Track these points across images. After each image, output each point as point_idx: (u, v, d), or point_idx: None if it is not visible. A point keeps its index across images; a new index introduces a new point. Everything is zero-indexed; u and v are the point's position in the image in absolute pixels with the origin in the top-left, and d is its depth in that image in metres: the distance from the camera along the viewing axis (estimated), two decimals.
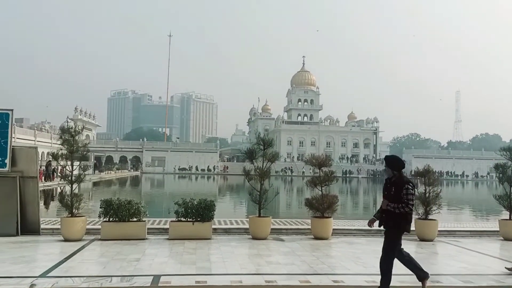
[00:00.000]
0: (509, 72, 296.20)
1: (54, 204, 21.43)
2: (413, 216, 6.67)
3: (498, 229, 11.21)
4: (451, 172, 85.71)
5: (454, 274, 6.95)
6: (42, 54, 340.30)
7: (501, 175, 11.09)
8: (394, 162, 5.71)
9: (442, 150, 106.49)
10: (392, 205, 5.46)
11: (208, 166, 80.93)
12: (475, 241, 10.53)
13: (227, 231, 11.12)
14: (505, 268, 7.13)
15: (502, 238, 10.83)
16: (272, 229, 10.57)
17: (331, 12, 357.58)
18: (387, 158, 5.82)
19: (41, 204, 22.19)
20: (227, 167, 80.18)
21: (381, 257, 5.61)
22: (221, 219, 12.66)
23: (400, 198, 5.44)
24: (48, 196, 27.01)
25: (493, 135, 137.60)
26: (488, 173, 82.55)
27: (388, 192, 5.61)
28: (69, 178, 9.83)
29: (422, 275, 5.80)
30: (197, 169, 79.86)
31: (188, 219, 9.81)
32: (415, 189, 5.64)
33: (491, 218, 15.74)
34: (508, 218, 10.94)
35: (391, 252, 5.58)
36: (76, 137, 10.11)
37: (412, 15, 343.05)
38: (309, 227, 10.83)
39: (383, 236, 5.75)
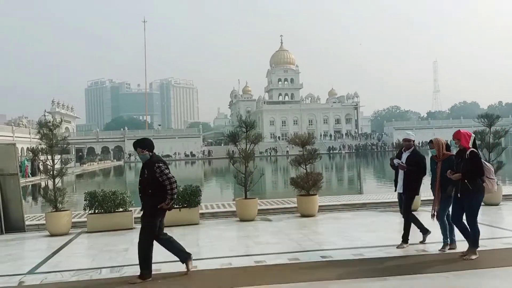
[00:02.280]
0: (485, 40, 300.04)
1: (39, 200, 21.16)
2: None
3: None
4: (424, 142, 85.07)
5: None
6: (14, 47, 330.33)
7: (480, 141, 11.31)
8: (146, 144, 5.59)
9: (422, 121, 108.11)
10: None
11: (191, 151, 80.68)
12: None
13: (214, 215, 11.16)
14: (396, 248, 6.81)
15: (483, 203, 11.08)
16: (259, 210, 10.65)
17: None
18: (139, 142, 5.61)
19: (29, 200, 22.01)
20: (211, 151, 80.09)
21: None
22: (208, 203, 12.68)
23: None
24: (33, 191, 26.63)
25: (471, 103, 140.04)
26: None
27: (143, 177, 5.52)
28: (51, 172, 9.69)
29: (184, 256, 5.74)
30: (186, 154, 79.49)
31: (175, 206, 9.79)
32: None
33: None
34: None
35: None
36: (55, 131, 9.93)
37: None
38: (296, 205, 10.94)
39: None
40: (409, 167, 6.74)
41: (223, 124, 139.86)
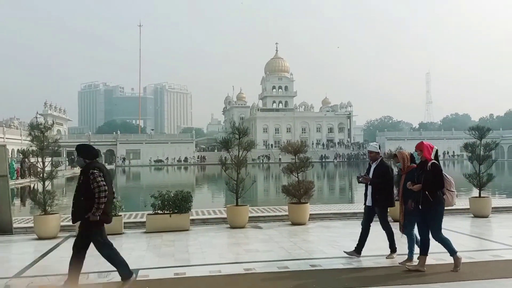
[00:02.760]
0: (477, 52, 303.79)
1: (28, 202, 20.93)
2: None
3: (469, 206, 11.54)
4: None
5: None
6: (7, 48, 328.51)
7: (470, 154, 11.39)
8: (83, 150, 5.41)
9: (414, 132, 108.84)
10: None
11: (186, 157, 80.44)
12: (448, 219, 10.82)
13: (205, 222, 11.10)
14: (344, 252, 6.95)
15: (473, 215, 11.17)
16: (250, 217, 10.63)
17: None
18: (78, 148, 5.44)
19: (17, 202, 21.75)
20: (204, 157, 79.92)
21: None
22: (199, 209, 12.62)
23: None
24: (22, 194, 26.35)
25: (463, 115, 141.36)
26: (450, 153, 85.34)
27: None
28: (41, 175, 9.61)
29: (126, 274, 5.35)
30: (179, 160, 79.22)
31: (165, 212, 9.75)
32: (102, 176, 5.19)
33: (462, 196, 16.22)
34: (477, 195, 11.30)
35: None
36: (47, 133, 9.86)
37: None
38: (287, 213, 10.92)
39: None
40: (375, 179, 6.69)
41: (216, 130, 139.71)
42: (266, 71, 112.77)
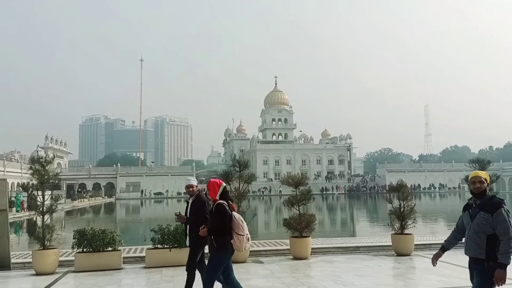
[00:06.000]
0: (476, 84, 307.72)
1: (26, 236, 20.68)
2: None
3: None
4: (416, 185, 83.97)
5: None
6: (8, 80, 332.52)
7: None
8: None
9: (414, 164, 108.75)
10: None
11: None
12: (451, 253, 10.61)
13: (205, 256, 10.91)
14: None
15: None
16: (251, 251, 10.46)
17: (304, 33, 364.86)
18: None
19: (16, 236, 21.47)
20: (204, 189, 79.42)
21: None
22: None
23: None
24: (20, 227, 26.06)
25: (462, 147, 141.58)
26: (444, 186, 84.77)
27: None
28: (40, 209, 9.54)
29: None
30: (179, 193, 78.78)
31: (165, 246, 9.62)
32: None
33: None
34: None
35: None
36: (47, 167, 9.86)
37: (381, 33, 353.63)
38: (288, 247, 10.78)
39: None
40: (192, 217, 6.14)
41: (217, 162, 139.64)
42: (266, 103, 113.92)
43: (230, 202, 5.44)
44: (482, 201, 4.16)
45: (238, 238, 5.33)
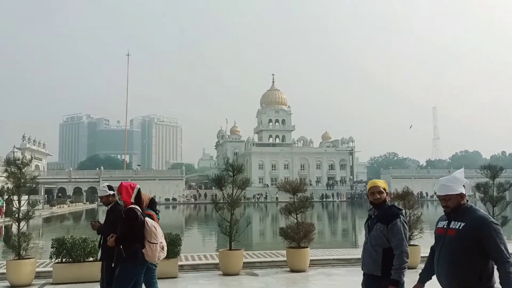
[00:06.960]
0: (486, 87, 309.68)
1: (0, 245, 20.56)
2: None
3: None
4: (424, 193, 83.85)
5: None
6: None
7: (483, 194, 11.38)
8: None
9: (421, 170, 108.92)
10: None
11: (174, 197, 79.99)
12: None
13: (195, 268, 10.93)
14: None
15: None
16: (244, 262, 10.46)
17: (304, 29, 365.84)
18: None
19: None
20: (194, 195, 79.42)
21: None
22: (188, 254, 12.43)
23: None
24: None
25: (473, 152, 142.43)
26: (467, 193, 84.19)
27: None
28: (16, 215, 9.48)
29: None
30: (167, 199, 78.58)
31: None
32: None
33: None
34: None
35: None
36: (24, 169, 9.81)
37: (390, 32, 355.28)
38: (285, 258, 10.78)
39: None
40: (106, 226, 5.68)
41: (208, 166, 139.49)
42: (262, 103, 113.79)
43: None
44: (380, 211, 4.12)
45: (150, 247, 5.14)
